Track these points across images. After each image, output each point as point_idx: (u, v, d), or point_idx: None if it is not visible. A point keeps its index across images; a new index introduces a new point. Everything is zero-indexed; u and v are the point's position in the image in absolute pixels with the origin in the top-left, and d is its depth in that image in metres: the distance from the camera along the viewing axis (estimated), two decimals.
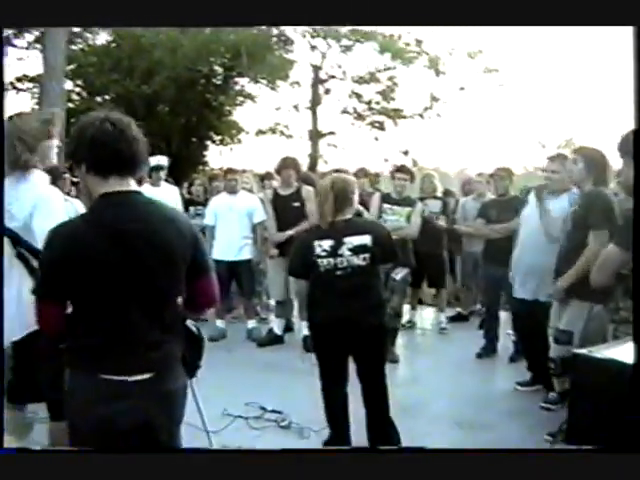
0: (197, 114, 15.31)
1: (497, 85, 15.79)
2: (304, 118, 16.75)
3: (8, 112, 2.98)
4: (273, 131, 16.63)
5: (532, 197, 4.73)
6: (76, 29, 13.90)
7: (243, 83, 16.09)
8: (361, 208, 5.02)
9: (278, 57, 15.13)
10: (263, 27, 14.55)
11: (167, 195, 6.52)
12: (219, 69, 15.49)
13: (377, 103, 16.37)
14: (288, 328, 6.46)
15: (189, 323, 2.38)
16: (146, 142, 2.10)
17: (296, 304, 6.23)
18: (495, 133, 31.69)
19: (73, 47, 13.87)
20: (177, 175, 9.89)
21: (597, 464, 1.89)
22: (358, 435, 3.63)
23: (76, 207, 4.26)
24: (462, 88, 15.67)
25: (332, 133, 16.75)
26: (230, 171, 6.72)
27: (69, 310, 2.06)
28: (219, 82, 15.72)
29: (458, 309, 7.45)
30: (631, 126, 2.43)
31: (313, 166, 15.28)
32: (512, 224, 5.30)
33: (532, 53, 31.20)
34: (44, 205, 2.71)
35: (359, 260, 3.46)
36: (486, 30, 13.52)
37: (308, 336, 4.43)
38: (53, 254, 2.00)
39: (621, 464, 1.87)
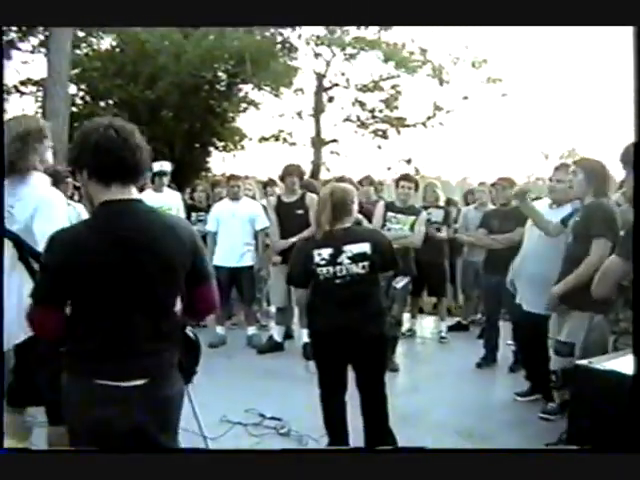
0: (200, 120, 15.34)
1: (500, 95, 15.90)
2: (307, 125, 16.87)
3: (12, 115, 2.99)
4: (276, 138, 16.66)
5: (539, 204, 4.73)
6: (81, 33, 13.99)
7: (247, 90, 16.19)
8: (360, 217, 5.02)
9: (282, 64, 15.18)
10: (267, 34, 14.65)
11: (170, 201, 6.55)
12: (223, 75, 15.55)
13: (380, 111, 16.42)
14: (288, 335, 6.46)
15: (188, 330, 2.38)
16: (149, 150, 2.10)
17: (296, 311, 6.23)
18: (498, 143, 31.78)
19: (77, 51, 13.95)
20: (180, 181, 9.92)
21: (597, 464, 1.88)
22: (357, 444, 3.62)
23: (79, 211, 4.27)
24: (465, 97, 15.77)
25: (335, 141, 16.80)
26: (233, 177, 6.74)
27: (67, 314, 2.06)
28: (223, 88, 15.77)
29: (458, 318, 7.45)
30: (633, 133, 2.42)
31: (316, 174, 15.27)
32: (514, 235, 5.30)
33: (536, 63, 31.32)
34: (45, 208, 2.71)
35: (358, 268, 3.45)
36: (490, 40, 13.58)
37: (308, 344, 4.42)
38: (54, 259, 2.00)
39: (621, 464, 1.86)
